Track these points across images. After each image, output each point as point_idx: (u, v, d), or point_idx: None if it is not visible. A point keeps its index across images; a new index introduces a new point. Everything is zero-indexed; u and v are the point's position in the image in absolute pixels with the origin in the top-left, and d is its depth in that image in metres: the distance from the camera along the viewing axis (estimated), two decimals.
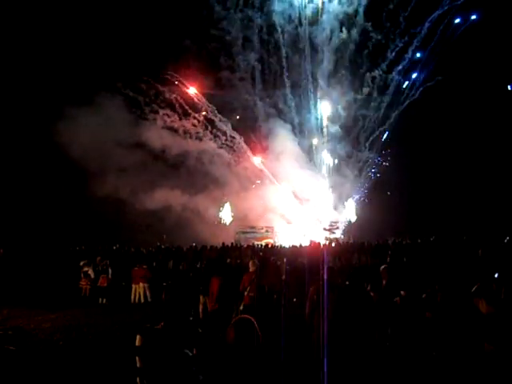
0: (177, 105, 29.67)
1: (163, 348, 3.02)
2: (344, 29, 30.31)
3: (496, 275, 7.19)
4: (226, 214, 31.11)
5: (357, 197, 31.88)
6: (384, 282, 6.67)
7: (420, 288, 6.33)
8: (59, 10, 25.08)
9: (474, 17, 29.02)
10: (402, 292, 6.28)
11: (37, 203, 25.20)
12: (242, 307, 9.18)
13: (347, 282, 5.05)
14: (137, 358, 3.07)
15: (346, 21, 30.34)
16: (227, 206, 31.03)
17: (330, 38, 30.58)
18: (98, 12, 25.84)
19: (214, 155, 29.96)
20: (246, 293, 9.24)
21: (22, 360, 7.64)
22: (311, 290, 5.23)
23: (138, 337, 3.09)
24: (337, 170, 32.27)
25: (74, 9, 25.52)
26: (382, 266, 7.13)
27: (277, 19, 29.97)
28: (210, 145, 30.16)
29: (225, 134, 30.80)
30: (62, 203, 25.14)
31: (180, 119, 29.83)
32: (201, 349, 3.45)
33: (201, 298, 11.30)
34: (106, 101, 26.19)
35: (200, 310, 11.21)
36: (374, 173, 31.88)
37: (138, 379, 3.05)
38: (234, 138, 30.91)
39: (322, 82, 31.23)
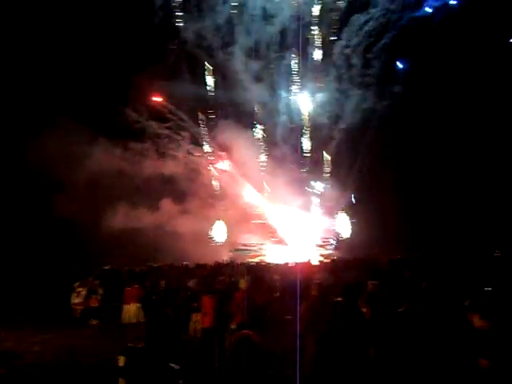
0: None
1: (147, 366, 2.94)
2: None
3: (489, 289, 7.16)
4: (219, 232, 30.26)
5: (347, 209, 31.08)
6: (373, 297, 6.61)
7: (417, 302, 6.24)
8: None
9: None
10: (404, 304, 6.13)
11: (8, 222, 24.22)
12: (234, 326, 9.07)
13: (339, 298, 4.99)
14: (120, 379, 3.00)
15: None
16: (220, 224, 30.27)
17: None
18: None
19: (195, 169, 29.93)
20: (237, 311, 9.15)
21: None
22: (302, 308, 5.17)
23: (120, 357, 3.02)
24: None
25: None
26: (371, 282, 7.09)
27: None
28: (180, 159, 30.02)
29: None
30: (32, 223, 24.15)
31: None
32: (189, 362, 3.38)
33: (193, 316, 11.18)
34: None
35: (192, 328, 11.07)
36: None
37: None
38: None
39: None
